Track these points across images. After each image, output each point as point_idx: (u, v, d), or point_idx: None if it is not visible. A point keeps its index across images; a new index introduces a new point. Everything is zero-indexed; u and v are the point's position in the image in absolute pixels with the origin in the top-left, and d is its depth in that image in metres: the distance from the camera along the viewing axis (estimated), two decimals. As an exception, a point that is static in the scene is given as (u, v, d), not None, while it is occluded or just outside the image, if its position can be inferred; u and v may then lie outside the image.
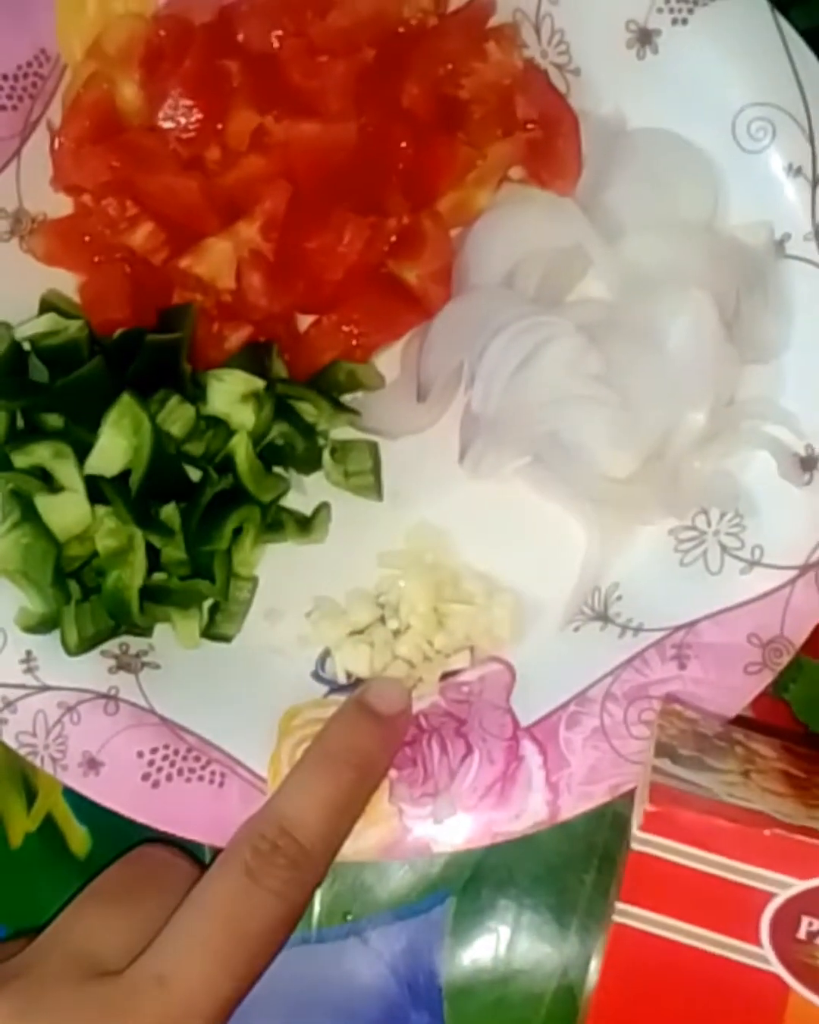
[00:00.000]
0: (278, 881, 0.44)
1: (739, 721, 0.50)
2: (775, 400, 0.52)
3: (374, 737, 0.49)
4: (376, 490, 0.54)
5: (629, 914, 0.37)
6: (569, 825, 0.50)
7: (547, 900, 0.52)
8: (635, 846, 0.37)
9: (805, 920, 0.36)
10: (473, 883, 0.52)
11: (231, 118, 0.53)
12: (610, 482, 0.52)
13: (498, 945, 0.52)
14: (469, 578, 0.53)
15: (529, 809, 0.49)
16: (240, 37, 0.54)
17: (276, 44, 0.53)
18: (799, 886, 0.36)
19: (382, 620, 0.53)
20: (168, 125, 0.53)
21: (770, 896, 0.36)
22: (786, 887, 0.36)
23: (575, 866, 0.52)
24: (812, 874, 0.36)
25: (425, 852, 0.49)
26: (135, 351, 0.51)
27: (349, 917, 0.53)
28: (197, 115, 0.53)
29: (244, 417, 0.51)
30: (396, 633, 0.53)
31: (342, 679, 0.53)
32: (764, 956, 0.36)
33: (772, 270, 0.53)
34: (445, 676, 0.52)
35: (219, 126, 0.53)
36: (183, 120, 0.53)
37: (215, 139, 0.53)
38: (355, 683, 0.53)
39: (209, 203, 0.53)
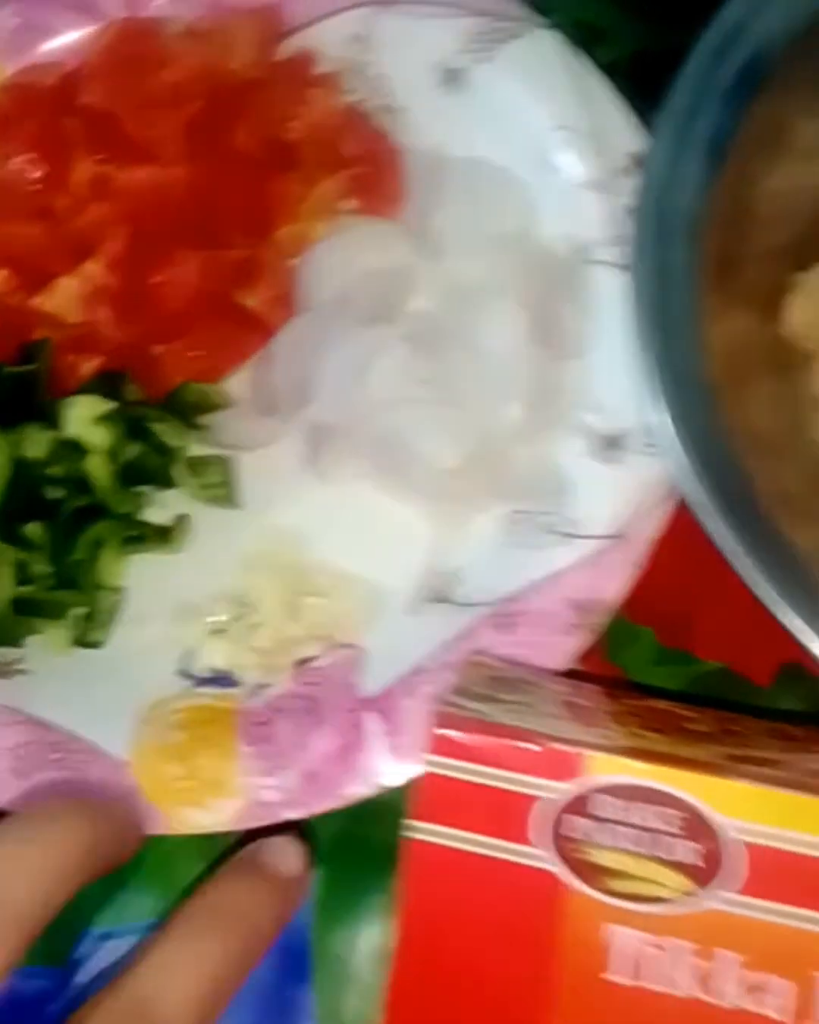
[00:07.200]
0: None
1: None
2: (587, 390, 0.56)
3: (267, 901, 0.41)
4: (232, 500, 0.58)
5: (419, 829, 0.41)
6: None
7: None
8: (425, 767, 0.41)
9: (568, 818, 0.39)
10: (338, 853, 0.55)
11: (74, 169, 0.58)
12: (442, 475, 0.56)
13: (368, 913, 0.55)
14: (322, 573, 0.57)
15: (375, 773, 0.52)
16: (82, 98, 0.59)
17: (113, 100, 0.59)
18: (561, 787, 0.39)
19: (241, 617, 0.57)
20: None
21: (536, 799, 0.40)
22: (552, 791, 0.40)
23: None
24: (572, 776, 0.39)
25: (276, 818, 0.52)
26: (-4, 385, 0.56)
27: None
28: (43, 169, 0.58)
29: (98, 438, 0.56)
30: (254, 627, 0.57)
31: (206, 674, 0.57)
32: (538, 855, 0.39)
33: (579, 275, 0.58)
34: (301, 663, 0.56)
35: (64, 177, 0.58)
36: (31, 174, 0.58)
37: (62, 189, 0.58)
38: (217, 677, 0.56)
39: (56, 246, 0.57)
